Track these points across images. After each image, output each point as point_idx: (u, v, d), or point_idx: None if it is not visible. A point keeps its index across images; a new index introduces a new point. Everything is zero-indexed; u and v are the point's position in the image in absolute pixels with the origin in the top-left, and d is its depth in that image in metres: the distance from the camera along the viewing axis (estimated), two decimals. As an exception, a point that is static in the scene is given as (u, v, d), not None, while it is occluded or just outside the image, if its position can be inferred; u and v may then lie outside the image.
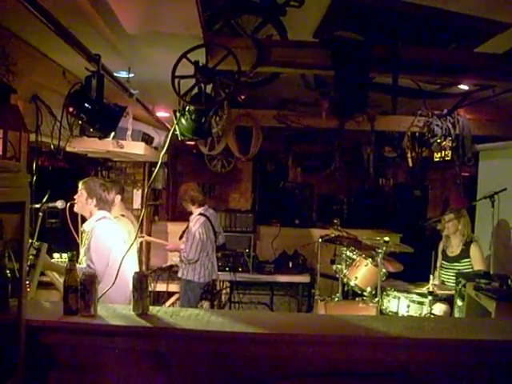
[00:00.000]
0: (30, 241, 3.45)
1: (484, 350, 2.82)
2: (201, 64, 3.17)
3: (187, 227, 6.27)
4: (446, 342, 2.84)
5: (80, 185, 4.19)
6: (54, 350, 2.76)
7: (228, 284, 7.64)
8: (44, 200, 3.78)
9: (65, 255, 4.41)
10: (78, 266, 3.26)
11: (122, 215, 5.43)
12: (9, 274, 2.68)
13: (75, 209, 4.22)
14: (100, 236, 3.99)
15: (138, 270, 5.57)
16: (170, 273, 7.03)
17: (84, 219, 4.33)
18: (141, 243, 7.09)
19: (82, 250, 4.08)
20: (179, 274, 6.22)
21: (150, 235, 7.59)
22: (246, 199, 10.41)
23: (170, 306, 6.81)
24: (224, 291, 7.72)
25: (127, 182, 7.55)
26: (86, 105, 3.02)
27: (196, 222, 6.10)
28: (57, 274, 3.98)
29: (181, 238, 6.45)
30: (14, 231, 2.61)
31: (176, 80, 3.11)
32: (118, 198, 5.46)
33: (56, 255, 4.57)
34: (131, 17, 2.94)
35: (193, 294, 6.08)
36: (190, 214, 6.34)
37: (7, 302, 2.65)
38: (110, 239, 4.06)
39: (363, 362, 2.79)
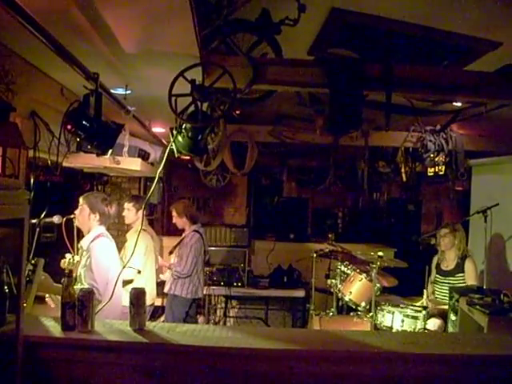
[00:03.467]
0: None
1: (477, 364, 2.85)
2: (197, 82, 3.21)
3: (179, 243, 6.30)
4: (440, 356, 2.87)
5: (81, 200, 4.17)
6: (52, 365, 2.77)
7: (223, 299, 7.65)
8: (42, 216, 3.79)
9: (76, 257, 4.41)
10: (79, 286, 3.27)
11: (144, 229, 5.47)
12: (6, 290, 2.70)
13: (76, 223, 4.22)
14: (99, 256, 3.97)
15: (154, 285, 5.67)
16: (164, 288, 7.03)
17: (80, 233, 4.34)
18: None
19: (79, 268, 4.06)
20: (165, 290, 6.23)
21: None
22: (241, 214, 10.43)
23: (163, 321, 6.81)
24: (219, 306, 7.72)
25: (123, 197, 7.57)
26: (84, 122, 3.05)
27: (192, 237, 6.15)
28: (52, 294, 3.99)
29: (171, 253, 6.47)
30: (12, 247, 2.64)
31: (173, 98, 3.15)
32: (140, 212, 5.57)
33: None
34: (129, 36, 2.98)
35: (178, 309, 6.08)
36: (183, 229, 6.40)
37: (5, 318, 2.67)
38: (108, 258, 4.06)
39: (358, 377, 2.82)
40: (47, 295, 4.01)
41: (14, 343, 2.57)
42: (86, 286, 3.84)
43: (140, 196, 6.66)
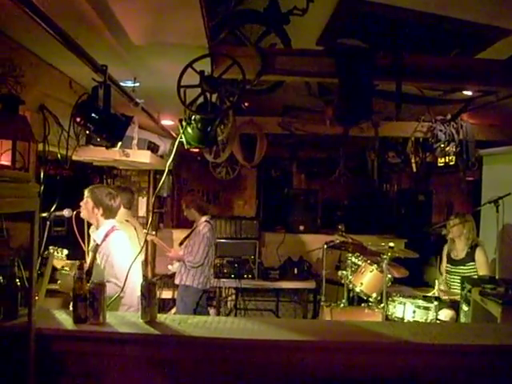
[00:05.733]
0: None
1: (490, 354, 2.83)
2: (206, 73, 3.20)
3: (189, 234, 6.32)
4: (452, 347, 2.86)
5: (86, 193, 4.14)
6: (64, 357, 2.79)
7: (233, 291, 7.66)
8: (52, 209, 3.79)
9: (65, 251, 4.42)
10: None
11: (127, 220, 5.46)
12: (18, 283, 2.72)
13: (81, 215, 4.20)
14: (119, 253, 3.90)
15: (140, 276, 5.61)
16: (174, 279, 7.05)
17: (90, 227, 4.34)
18: (146, 245, 7.06)
19: (96, 264, 4.01)
20: (176, 281, 6.25)
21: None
22: (251, 206, 10.43)
23: (175, 312, 6.83)
24: (229, 298, 7.74)
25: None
26: (93, 115, 3.03)
27: (204, 227, 6.19)
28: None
29: (181, 244, 6.48)
30: (23, 240, 2.65)
31: (182, 90, 3.13)
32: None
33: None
34: (138, 28, 2.97)
35: (189, 300, 6.11)
36: (193, 221, 6.41)
37: (17, 311, 2.68)
38: (127, 253, 4.00)
39: (370, 367, 2.81)
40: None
41: (26, 336, 2.58)
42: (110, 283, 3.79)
43: (126, 187, 6.57)
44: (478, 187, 7.38)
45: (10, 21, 2.73)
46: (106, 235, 4.01)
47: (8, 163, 2.58)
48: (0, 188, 2.23)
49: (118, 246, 3.98)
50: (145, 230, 6.06)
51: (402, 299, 5.20)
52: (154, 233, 6.96)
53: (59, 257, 4.32)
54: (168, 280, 7.04)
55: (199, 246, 6.06)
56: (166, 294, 7.12)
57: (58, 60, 3.56)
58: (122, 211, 5.48)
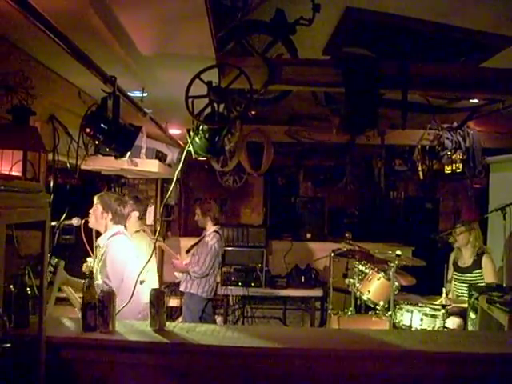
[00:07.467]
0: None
1: (498, 362, 2.83)
2: (213, 84, 3.23)
3: (198, 242, 6.34)
4: (460, 355, 2.86)
5: (95, 199, 4.22)
6: (74, 365, 2.81)
7: (241, 299, 7.67)
8: (62, 218, 3.83)
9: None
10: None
11: (137, 231, 5.48)
12: (29, 292, 2.74)
13: (90, 224, 4.25)
14: (115, 252, 4.02)
15: (157, 285, 5.63)
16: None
17: (98, 235, 4.38)
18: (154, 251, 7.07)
19: (96, 265, 4.11)
20: (181, 288, 6.26)
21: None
22: (258, 214, 10.45)
23: (182, 320, 6.84)
24: (237, 306, 7.74)
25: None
26: (103, 125, 3.07)
27: (213, 237, 6.20)
28: (72, 288, 4.01)
29: (188, 251, 6.49)
30: (32, 248, 2.67)
31: (189, 100, 3.17)
32: (136, 214, 5.52)
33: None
34: (146, 39, 3.01)
35: (195, 308, 6.12)
36: (203, 229, 6.42)
37: (28, 319, 2.70)
38: (125, 255, 4.09)
39: (377, 376, 2.82)
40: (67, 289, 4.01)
41: (36, 344, 2.61)
42: (99, 282, 3.87)
43: (143, 198, 6.59)
44: (485, 194, 7.38)
45: (20, 33, 2.77)
46: (109, 238, 4.08)
47: (19, 174, 2.61)
48: (11, 198, 2.25)
49: (116, 248, 4.05)
50: (153, 237, 6.10)
51: (410, 307, 5.19)
52: (162, 239, 6.98)
53: (91, 266, 4.36)
54: (175, 288, 7.05)
55: (205, 257, 6.06)
56: (174, 302, 7.13)
57: (68, 71, 3.60)
58: (135, 222, 5.53)
